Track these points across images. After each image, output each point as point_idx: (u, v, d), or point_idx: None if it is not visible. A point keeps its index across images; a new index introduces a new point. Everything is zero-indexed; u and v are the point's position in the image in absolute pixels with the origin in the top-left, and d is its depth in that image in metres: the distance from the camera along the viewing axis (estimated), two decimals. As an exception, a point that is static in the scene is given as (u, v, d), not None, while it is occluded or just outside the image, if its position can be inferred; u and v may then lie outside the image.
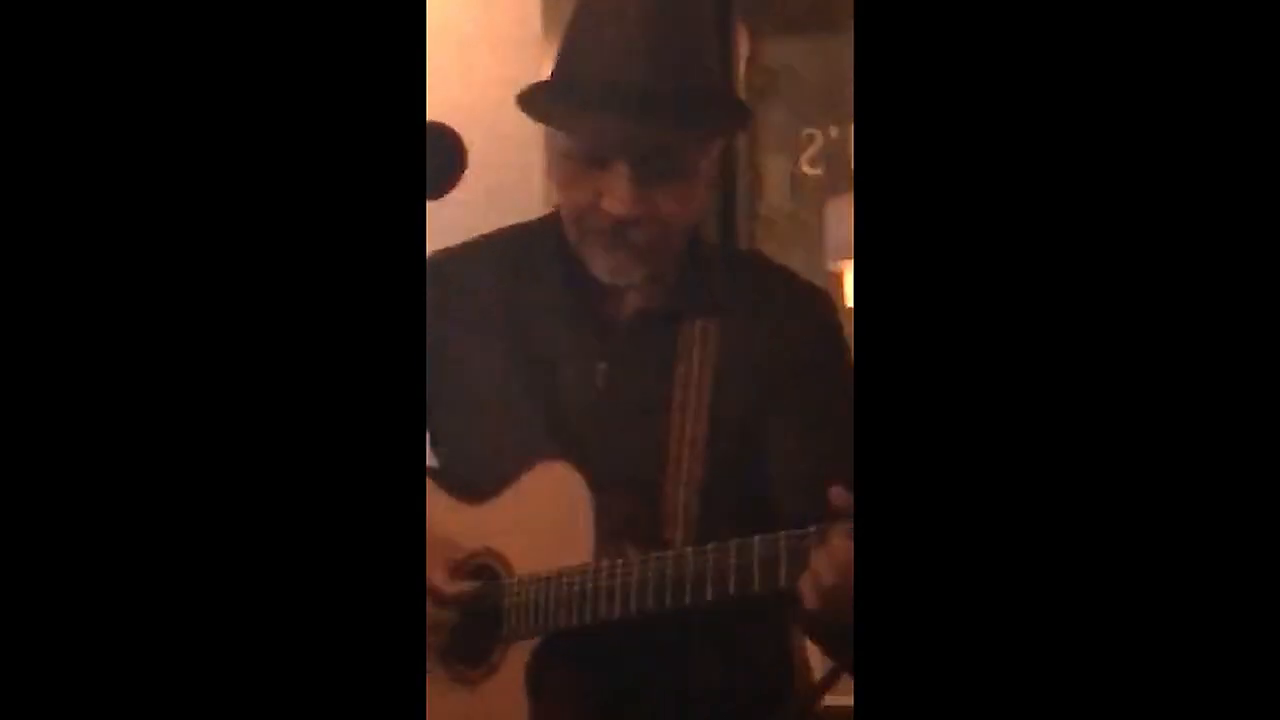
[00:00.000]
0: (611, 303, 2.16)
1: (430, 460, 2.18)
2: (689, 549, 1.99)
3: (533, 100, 2.09)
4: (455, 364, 2.12)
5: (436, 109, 1.67)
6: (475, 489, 2.16)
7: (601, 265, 2.09)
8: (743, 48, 3.65)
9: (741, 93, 3.64)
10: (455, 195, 1.77)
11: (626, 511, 2.07)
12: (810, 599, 1.89)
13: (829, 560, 1.87)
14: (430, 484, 2.11)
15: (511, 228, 2.15)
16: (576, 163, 2.05)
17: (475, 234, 2.26)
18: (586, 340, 2.16)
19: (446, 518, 2.15)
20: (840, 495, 1.84)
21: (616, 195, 2.02)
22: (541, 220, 2.21)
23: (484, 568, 2.15)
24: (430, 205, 1.66)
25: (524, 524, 2.12)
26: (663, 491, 2.09)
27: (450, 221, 1.92)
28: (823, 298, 2.24)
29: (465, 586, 2.12)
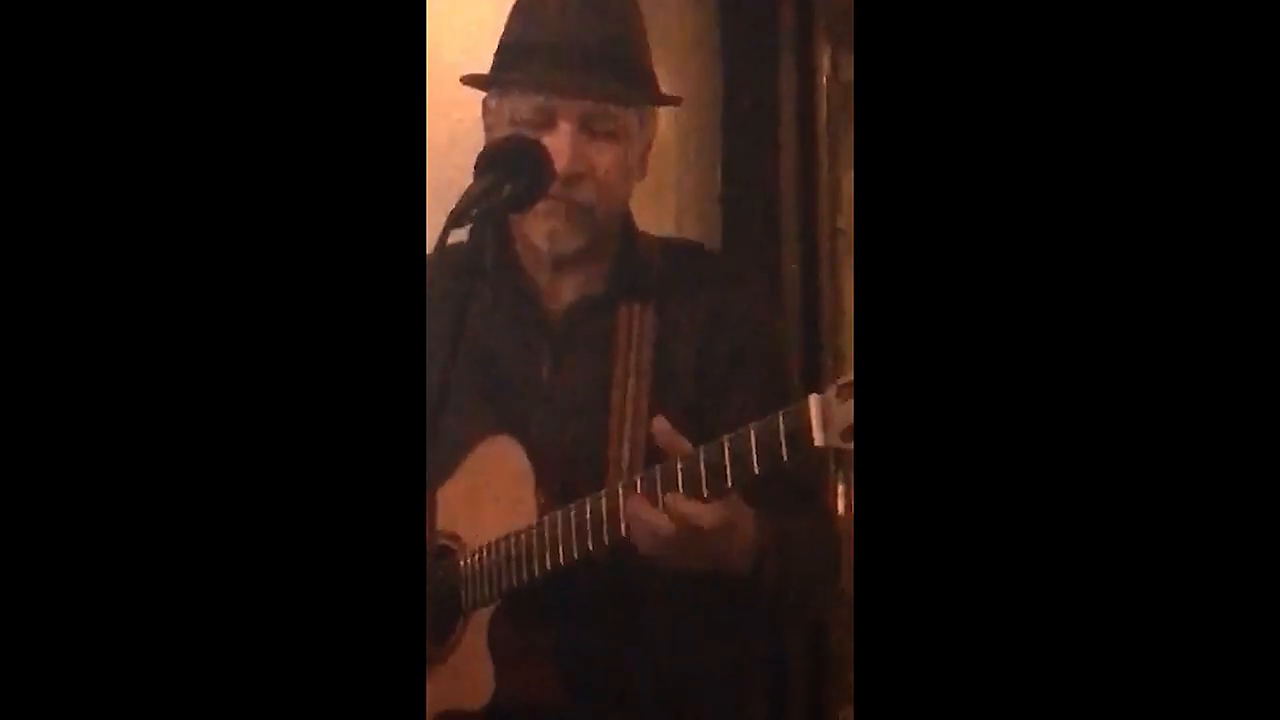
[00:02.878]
0: (550, 295, 2.28)
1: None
2: (611, 486, 2.07)
3: (478, 80, 2.28)
4: (445, 373, 2.17)
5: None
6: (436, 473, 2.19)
7: (542, 231, 2.22)
8: (824, 63, 3.61)
9: (822, 107, 3.61)
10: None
11: (567, 477, 2.15)
12: (641, 542, 2.00)
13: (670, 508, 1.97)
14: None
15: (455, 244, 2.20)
16: (523, 128, 2.18)
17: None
18: (529, 331, 2.27)
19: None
20: (662, 425, 1.98)
21: (561, 151, 2.14)
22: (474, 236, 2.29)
23: (442, 549, 2.21)
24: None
25: (473, 500, 2.20)
26: (605, 461, 2.17)
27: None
28: (752, 279, 2.38)
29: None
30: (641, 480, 2.03)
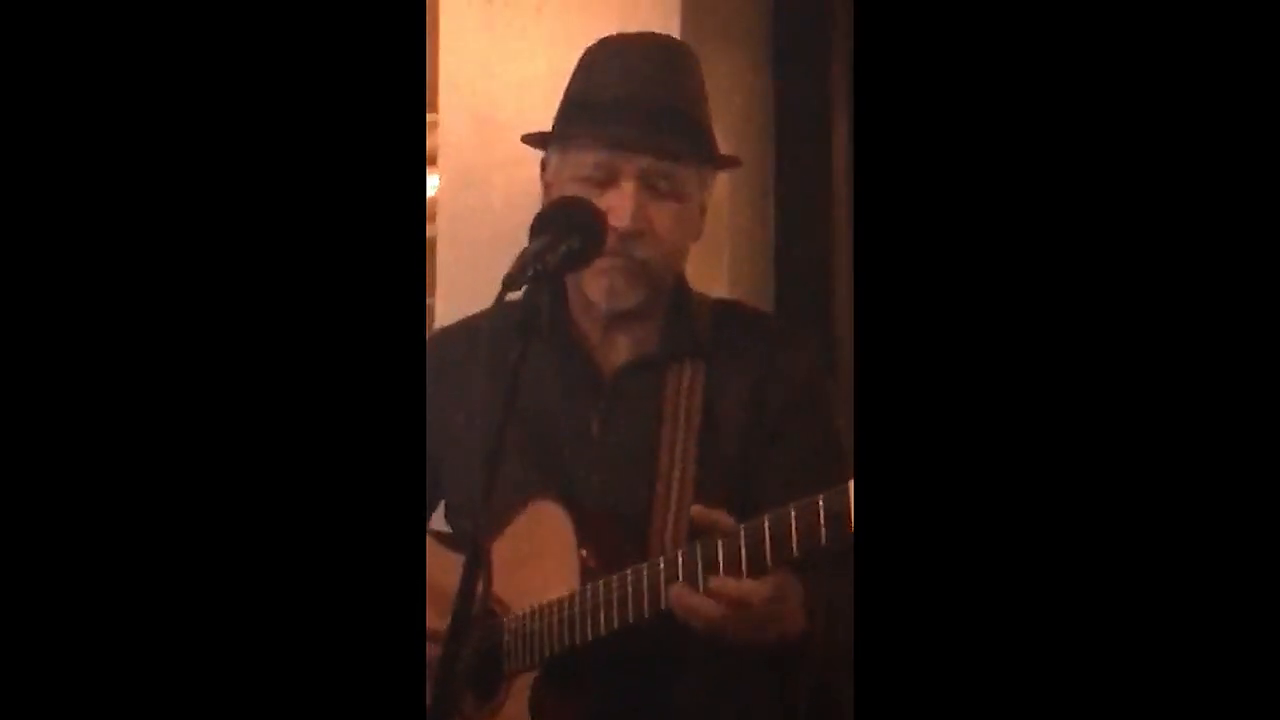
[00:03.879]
0: (602, 353, 2.30)
1: (441, 525, 2.24)
2: (652, 561, 2.06)
3: (539, 139, 2.31)
4: (458, 430, 2.18)
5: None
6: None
7: (600, 288, 2.24)
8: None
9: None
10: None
11: (613, 543, 2.15)
12: (682, 615, 1.99)
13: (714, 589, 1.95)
14: (436, 546, 2.17)
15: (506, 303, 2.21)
16: (584, 185, 2.22)
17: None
18: (579, 392, 2.29)
19: (452, 571, 2.19)
20: (699, 511, 1.97)
21: (623, 209, 2.19)
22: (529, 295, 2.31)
23: (487, 612, 2.22)
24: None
25: (518, 564, 2.21)
26: (651, 525, 2.18)
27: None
28: (803, 340, 2.37)
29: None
30: (684, 559, 2.02)
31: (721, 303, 2.46)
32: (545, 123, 2.37)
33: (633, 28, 2.49)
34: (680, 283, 2.35)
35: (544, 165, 2.33)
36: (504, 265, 1.96)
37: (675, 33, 2.88)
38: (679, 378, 2.28)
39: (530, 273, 1.92)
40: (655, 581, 2.05)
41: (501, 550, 2.23)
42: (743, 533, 1.98)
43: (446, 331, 2.41)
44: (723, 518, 2.00)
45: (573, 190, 2.23)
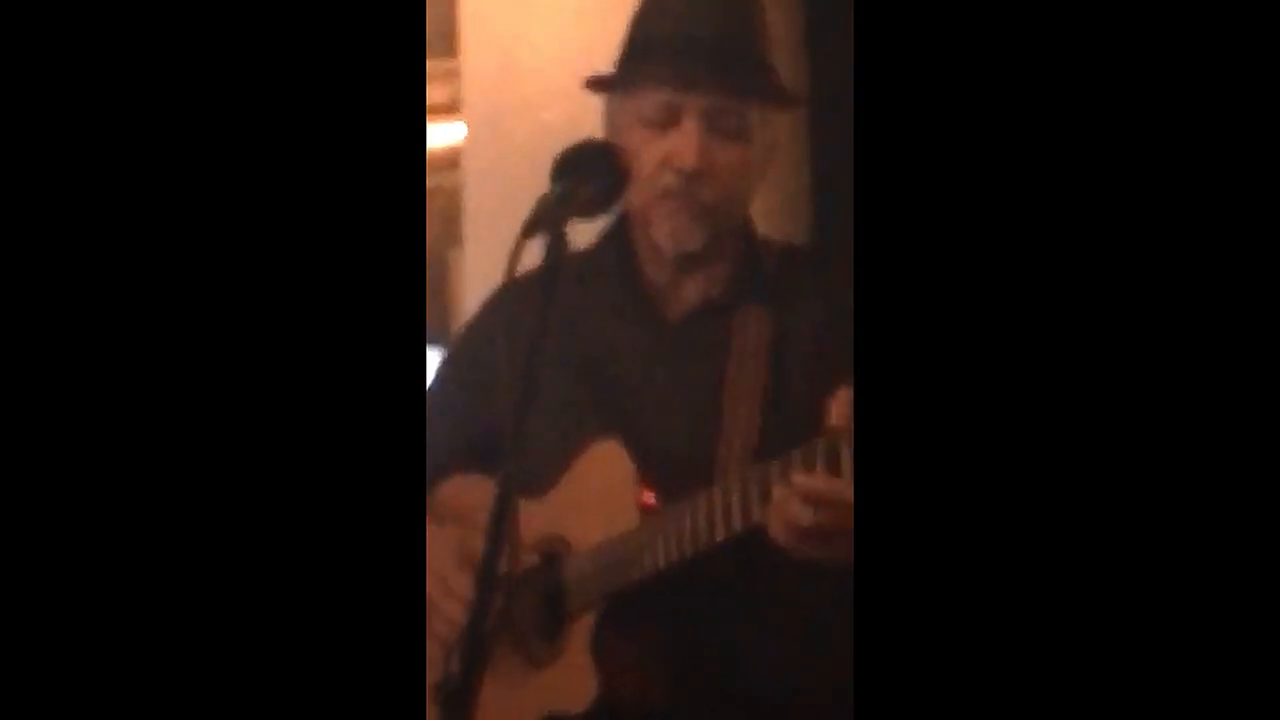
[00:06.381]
0: (670, 298, 2.27)
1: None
2: (701, 494, 2.04)
3: (601, 81, 2.26)
4: (525, 381, 2.15)
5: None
6: (539, 483, 2.22)
7: (666, 230, 2.20)
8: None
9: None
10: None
11: (675, 482, 2.11)
12: (777, 530, 1.94)
13: (804, 488, 1.91)
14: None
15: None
16: (648, 127, 2.19)
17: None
18: (644, 337, 2.26)
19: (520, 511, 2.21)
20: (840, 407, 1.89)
21: (687, 149, 2.16)
22: (598, 243, 2.31)
23: (552, 554, 2.20)
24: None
25: (580, 505, 2.19)
26: (715, 465, 2.13)
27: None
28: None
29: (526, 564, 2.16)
30: (756, 477, 1.98)
31: (789, 246, 2.43)
32: (571, 68, 2.33)
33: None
34: (747, 226, 2.32)
35: (607, 106, 2.28)
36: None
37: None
38: (746, 323, 2.23)
39: (548, 220, 1.87)
40: (720, 509, 2.01)
41: (563, 492, 2.21)
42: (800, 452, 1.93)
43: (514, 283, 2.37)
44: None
45: (634, 133, 2.19)
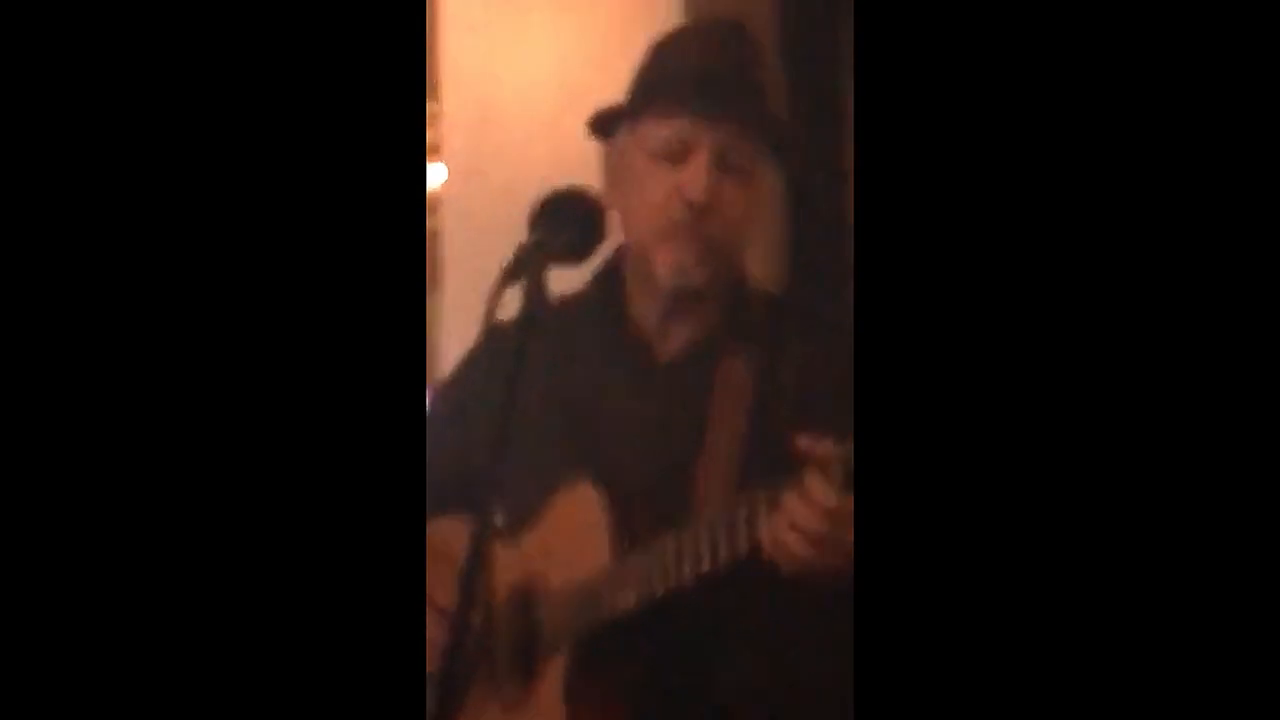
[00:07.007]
0: (657, 337, 2.28)
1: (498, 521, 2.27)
2: (678, 530, 2.04)
3: (609, 115, 2.27)
4: (514, 426, 2.16)
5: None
6: (516, 524, 2.25)
7: (669, 263, 2.20)
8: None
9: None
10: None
11: (648, 523, 2.12)
12: (780, 555, 1.93)
13: (801, 507, 1.90)
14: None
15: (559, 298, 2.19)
16: (656, 159, 2.20)
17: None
18: (629, 377, 2.27)
19: (494, 556, 2.25)
20: (808, 442, 1.90)
21: (696, 183, 2.17)
22: (589, 285, 2.33)
23: (527, 595, 2.22)
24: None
25: (555, 546, 2.20)
26: (690, 508, 2.13)
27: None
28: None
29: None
30: (766, 496, 1.97)
31: (777, 297, 2.44)
32: (551, 113, 2.34)
33: (635, 16, 2.47)
34: (741, 270, 2.33)
35: (611, 146, 2.29)
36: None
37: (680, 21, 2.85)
38: (731, 366, 2.24)
39: (526, 267, 1.88)
40: (695, 546, 2.00)
41: (539, 533, 2.24)
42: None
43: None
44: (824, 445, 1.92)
45: (642, 166, 2.21)
